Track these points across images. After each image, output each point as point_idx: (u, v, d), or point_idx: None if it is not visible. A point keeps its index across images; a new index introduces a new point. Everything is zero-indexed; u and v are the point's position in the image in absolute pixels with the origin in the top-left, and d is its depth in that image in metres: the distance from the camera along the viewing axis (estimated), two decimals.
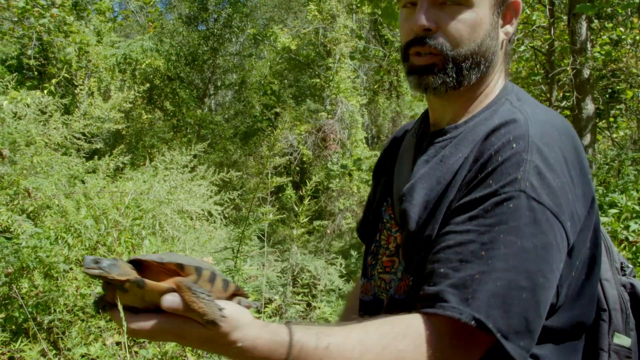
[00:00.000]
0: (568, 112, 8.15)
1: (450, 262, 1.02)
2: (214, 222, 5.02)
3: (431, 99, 1.26)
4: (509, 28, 1.23)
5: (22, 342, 3.64)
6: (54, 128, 4.85)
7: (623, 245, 4.19)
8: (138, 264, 0.98)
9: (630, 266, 1.35)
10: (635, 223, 4.30)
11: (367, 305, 1.32)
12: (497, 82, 1.25)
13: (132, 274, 0.94)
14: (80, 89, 6.81)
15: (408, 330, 0.98)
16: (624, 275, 1.32)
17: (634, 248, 4.17)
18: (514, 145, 1.06)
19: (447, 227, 1.08)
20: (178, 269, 0.95)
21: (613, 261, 1.30)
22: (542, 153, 1.05)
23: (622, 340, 1.19)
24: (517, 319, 0.96)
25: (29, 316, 3.67)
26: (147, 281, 0.92)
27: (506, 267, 0.97)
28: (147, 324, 0.92)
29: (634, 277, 1.33)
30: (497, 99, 1.22)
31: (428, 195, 1.17)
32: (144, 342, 4.07)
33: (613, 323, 1.20)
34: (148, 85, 10.86)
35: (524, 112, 1.13)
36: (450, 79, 1.16)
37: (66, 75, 9.29)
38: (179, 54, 14.35)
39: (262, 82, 15.02)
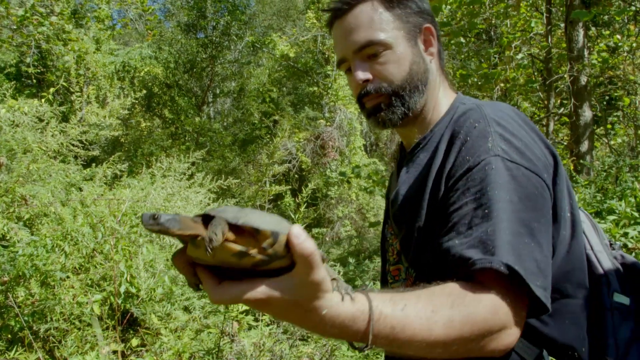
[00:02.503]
0: (566, 119, 8.15)
1: (462, 233, 1.12)
2: None
3: (397, 131, 1.47)
4: (432, 49, 1.42)
5: (17, 351, 3.62)
6: (51, 135, 4.85)
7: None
8: (210, 219, 0.92)
9: (618, 243, 1.47)
10: (634, 229, 4.29)
11: None
12: (444, 92, 1.46)
13: (197, 229, 0.90)
14: (78, 97, 6.80)
15: (465, 291, 1.06)
16: (613, 250, 1.44)
17: (632, 254, 4.16)
18: (476, 125, 1.23)
19: (447, 209, 1.19)
20: (253, 233, 0.90)
21: (602, 238, 1.42)
22: (501, 124, 1.23)
23: (621, 299, 1.30)
24: (528, 261, 1.06)
25: (25, 325, 3.65)
26: (217, 238, 0.88)
27: (506, 218, 1.09)
28: (231, 290, 0.92)
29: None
30: (452, 107, 1.41)
31: (409, 192, 1.33)
32: (140, 350, 4.05)
33: (611, 284, 1.31)
34: (145, 92, 10.86)
35: (476, 103, 1.33)
36: (399, 109, 1.36)
37: (64, 84, 9.30)
38: (177, 62, 14.38)
39: (261, 90, 15.05)
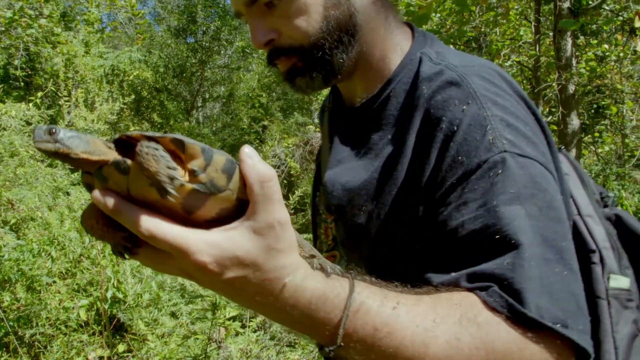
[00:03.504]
0: (554, 127, 8.22)
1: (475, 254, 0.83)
2: None
3: (347, 80, 1.13)
4: None
5: (2, 356, 3.58)
6: None
7: None
8: (125, 145, 0.70)
9: (611, 194, 1.20)
10: None
11: None
12: (394, 30, 1.13)
13: (109, 154, 0.68)
14: (66, 100, 6.76)
15: (483, 307, 0.77)
16: (606, 206, 1.15)
17: None
18: (465, 107, 0.91)
19: (442, 218, 0.88)
20: (177, 148, 0.67)
21: (591, 193, 1.13)
22: (498, 103, 0.92)
23: (620, 281, 1.01)
24: (566, 299, 0.79)
25: (10, 330, 3.61)
26: (132, 163, 0.65)
27: (528, 243, 0.79)
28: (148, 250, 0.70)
29: (616, 206, 1.17)
30: (409, 57, 1.09)
31: (366, 184, 1.05)
32: (127, 356, 4.02)
33: (606, 264, 1.01)
34: (135, 96, 10.80)
35: (453, 68, 0.99)
36: (321, 71, 1.05)
37: (53, 88, 9.24)
38: (167, 66, 14.34)
39: (250, 95, 15.01)
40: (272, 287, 0.69)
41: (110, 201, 0.66)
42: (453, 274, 0.81)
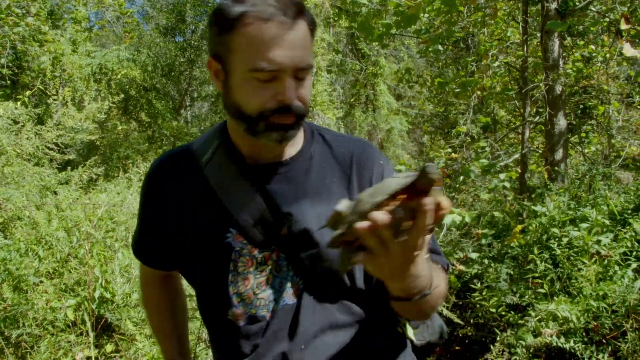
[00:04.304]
0: (541, 127, 8.27)
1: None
2: None
3: (270, 145, 1.32)
4: None
5: None
6: (26, 138, 4.79)
7: (594, 259, 4.25)
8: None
9: None
10: (606, 237, 4.36)
11: (243, 328, 1.37)
12: None
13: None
14: (54, 99, 6.72)
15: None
16: None
17: (605, 262, 4.23)
18: (382, 161, 1.42)
19: None
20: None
21: None
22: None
23: None
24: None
25: None
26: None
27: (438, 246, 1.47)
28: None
29: None
30: (310, 133, 1.45)
31: (318, 210, 1.32)
32: (115, 356, 4.00)
33: None
34: (122, 95, 10.74)
35: (361, 138, 1.54)
36: (299, 129, 1.31)
37: (40, 87, 9.18)
38: (155, 65, 14.28)
39: None
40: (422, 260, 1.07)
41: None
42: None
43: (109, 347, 3.96)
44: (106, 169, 7.72)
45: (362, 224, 0.91)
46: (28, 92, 7.95)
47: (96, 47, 13.77)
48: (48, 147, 5.04)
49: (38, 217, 4.10)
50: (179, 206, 1.40)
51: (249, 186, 1.35)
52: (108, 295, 3.97)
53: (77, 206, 4.30)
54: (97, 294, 3.89)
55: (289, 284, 1.35)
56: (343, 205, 0.96)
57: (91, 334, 3.74)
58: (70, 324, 3.86)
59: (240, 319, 1.37)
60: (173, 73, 14.67)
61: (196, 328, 3.90)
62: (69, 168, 5.16)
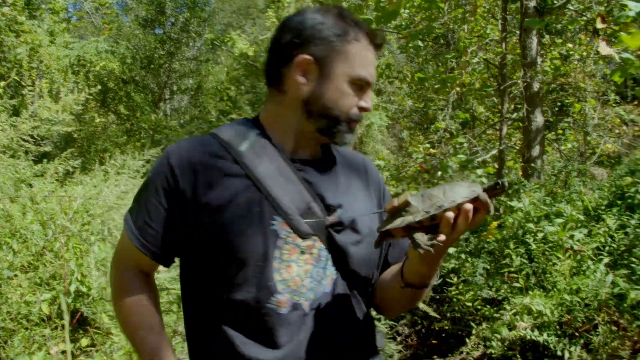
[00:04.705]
0: (519, 124, 8.35)
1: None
2: None
3: (316, 142, 1.51)
4: None
5: None
6: (1, 130, 4.72)
7: (568, 254, 4.31)
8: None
9: None
10: (580, 232, 4.43)
11: (285, 316, 1.37)
12: None
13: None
14: (30, 90, 6.62)
15: None
16: None
17: (578, 257, 4.29)
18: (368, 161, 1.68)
19: None
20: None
21: None
22: None
23: None
24: None
25: None
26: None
27: None
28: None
29: None
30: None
31: (356, 205, 1.49)
32: (90, 350, 3.97)
33: None
34: (99, 87, 10.62)
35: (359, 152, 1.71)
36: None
37: (16, 78, 9.03)
38: (134, 57, 14.14)
39: (219, 88, 14.90)
40: None
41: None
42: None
43: (85, 341, 3.93)
44: (83, 162, 7.64)
45: (450, 214, 1.20)
46: (3, 83, 7.80)
47: (74, 38, 13.57)
48: (23, 139, 4.98)
49: (12, 210, 4.05)
50: (217, 194, 1.38)
51: (294, 177, 1.43)
52: (84, 289, 3.93)
53: (52, 199, 4.25)
54: (73, 288, 3.85)
55: (327, 273, 1.42)
56: (412, 198, 1.24)
57: (67, 328, 3.70)
58: (45, 318, 3.82)
59: (283, 307, 1.36)
60: (152, 66, 14.52)
61: (173, 321, 3.89)
62: (44, 160, 5.09)
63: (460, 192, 1.21)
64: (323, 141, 1.49)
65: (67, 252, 3.96)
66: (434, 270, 1.36)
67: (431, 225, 1.24)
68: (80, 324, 4.12)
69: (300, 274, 1.38)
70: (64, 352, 3.66)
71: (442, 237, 1.21)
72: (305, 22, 1.42)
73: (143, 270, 1.52)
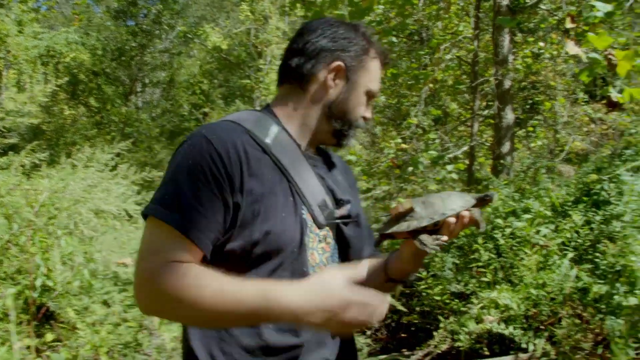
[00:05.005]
0: (491, 121, 8.44)
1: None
2: (136, 223, 4.89)
3: (319, 142, 1.64)
4: None
5: None
6: None
7: (535, 249, 4.37)
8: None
9: None
10: (546, 228, 4.49)
11: None
12: None
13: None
14: None
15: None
16: None
17: (544, 252, 4.36)
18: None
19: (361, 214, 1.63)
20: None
21: None
22: None
23: None
24: None
25: None
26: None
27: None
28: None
29: None
30: None
31: (356, 200, 1.69)
32: (56, 345, 3.91)
33: None
34: (69, 78, 10.44)
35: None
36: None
37: None
38: (105, 49, 13.95)
39: (191, 81, 14.80)
40: None
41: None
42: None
43: (50, 336, 3.86)
44: (51, 155, 7.51)
45: (452, 219, 1.38)
46: None
47: (44, 28, 13.32)
48: None
49: None
50: (258, 182, 1.38)
51: (311, 172, 1.55)
52: (50, 284, 3.86)
53: (17, 192, 4.17)
54: (39, 282, 3.78)
55: (336, 262, 1.56)
56: (415, 204, 1.41)
57: (32, 323, 3.65)
58: (9, 313, 3.75)
59: None
60: (124, 58, 14.34)
61: (140, 316, 3.85)
62: (10, 153, 4.98)
63: (457, 201, 1.39)
64: (330, 142, 1.61)
65: (32, 246, 3.89)
66: (417, 269, 1.55)
67: (432, 229, 1.39)
68: (47, 318, 4.06)
69: (323, 261, 1.51)
70: (28, 347, 3.60)
71: (445, 238, 1.38)
72: (339, 33, 1.55)
73: (182, 262, 1.29)
